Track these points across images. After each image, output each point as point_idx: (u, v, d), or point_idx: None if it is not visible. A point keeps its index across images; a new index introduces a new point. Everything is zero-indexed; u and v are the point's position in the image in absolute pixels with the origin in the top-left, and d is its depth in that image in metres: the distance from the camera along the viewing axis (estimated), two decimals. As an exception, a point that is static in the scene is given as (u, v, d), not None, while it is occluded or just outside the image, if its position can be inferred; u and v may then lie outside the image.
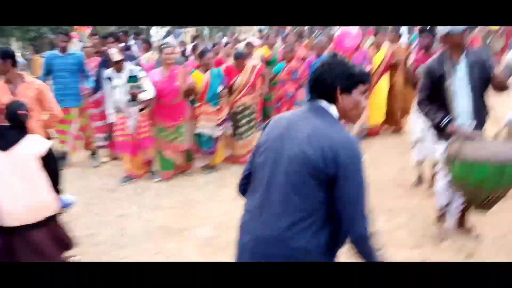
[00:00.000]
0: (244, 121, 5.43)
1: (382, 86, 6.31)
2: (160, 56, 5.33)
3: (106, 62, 5.49)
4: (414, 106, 4.32)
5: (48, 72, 5.49)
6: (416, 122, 4.36)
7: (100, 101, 5.91)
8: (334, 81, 1.59)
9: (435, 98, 3.17)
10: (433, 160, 3.37)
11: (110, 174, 5.42)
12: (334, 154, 1.49)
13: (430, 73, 3.17)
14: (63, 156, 5.47)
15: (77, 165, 5.76)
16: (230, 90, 5.41)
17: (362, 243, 1.55)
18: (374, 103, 6.18)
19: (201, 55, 5.28)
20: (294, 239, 1.53)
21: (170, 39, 12.42)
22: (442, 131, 3.12)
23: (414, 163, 4.51)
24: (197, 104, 5.21)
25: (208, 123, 5.16)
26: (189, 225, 3.87)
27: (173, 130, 5.03)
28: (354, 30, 5.88)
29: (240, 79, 5.35)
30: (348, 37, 5.79)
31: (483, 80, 3.06)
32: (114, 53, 4.88)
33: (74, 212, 3.63)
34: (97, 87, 5.64)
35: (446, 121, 3.05)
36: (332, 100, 1.60)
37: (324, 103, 1.61)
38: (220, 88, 5.17)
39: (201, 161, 5.45)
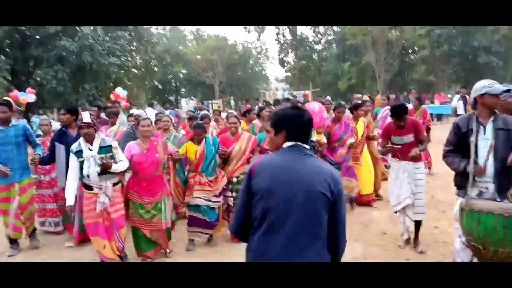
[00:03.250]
0: None
1: (366, 157, 6.78)
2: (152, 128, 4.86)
3: (60, 136, 5.22)
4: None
5: None
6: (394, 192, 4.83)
7: (53, 181, 5.77)
8: (308, 127, 2.03)
9: (458, 151, 3.41)
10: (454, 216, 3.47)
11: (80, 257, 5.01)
12: (334, 185, 1.90)
13: (457, 129, 3.41)
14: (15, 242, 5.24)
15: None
16: (226, 159, 5.32)
17: (343, 249, 2.02)
18: (364, 174, 6.62)
19: (195, 127, 5.08)
20: (319, 258, 1.89)
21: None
22: (463, 183, 3.31)
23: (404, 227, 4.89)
24: (191, 174, 5.08)
25: (203, 194, 4.97)
26: None
27: (151, 207, 4.65)
28: (316, 106, 5.97)
29: (237, 147, 5.28)
30: (313, 114, 5.82)
31: (507, 147, 3.20)
32: (85, 115, 4.37)
33: None
34: (50, 160, 5.30)
35: (471, 164, 3.21)
36: (307, 141, 2.03)
37: (305, 145, 2.01)
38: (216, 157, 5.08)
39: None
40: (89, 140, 4.36)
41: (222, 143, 5.28)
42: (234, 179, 5.32)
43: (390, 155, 5.03)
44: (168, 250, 4.95)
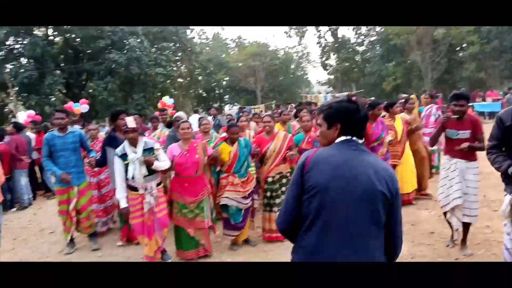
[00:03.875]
0: (283, 189, 5.25)
1: (407, 155, 6.58)
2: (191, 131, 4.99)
3: (110, 140, 5.42)
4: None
5: (50, 153, 5.41)
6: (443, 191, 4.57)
7: (100, 184, 6.17)
8: (364, 122, 1.96)
9: (503, 147, 3.23)
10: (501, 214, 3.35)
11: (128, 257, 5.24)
12: (392, 184, 1.83)
13: (501, 123, 3.22)
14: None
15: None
16: (262, 159, 5.33)
17: (400, 251, 1.95)
18: (406, 172, 6.44)
19: (230, 126, 5.22)
20: (375, 258, 1.81)
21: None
22: (509, 179, 3.15)
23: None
24: (223, 175, 5.13)
25: (234, 195, 4.99)
26: None
27: (194, 206, 4.77)
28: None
29: (272, 147, 5.28)
30: None
31: None
32: (130, 121, 4.55)
33: None
34: (103, 163, 5.51)
35: None
36: (362, 136, 1.95)
37: (359, 140, 1.93)
38: (250, 158, 5.13)
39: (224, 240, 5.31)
40: (134, 143, 4.53)
41: (258, 143, 5.33)
42: (270, 179, 5.29)
43: (442, 153, 4.83)
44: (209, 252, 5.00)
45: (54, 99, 20.65)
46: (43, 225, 7.17)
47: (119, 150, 4.56)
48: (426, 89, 24.48)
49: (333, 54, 36.92)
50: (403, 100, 7.44)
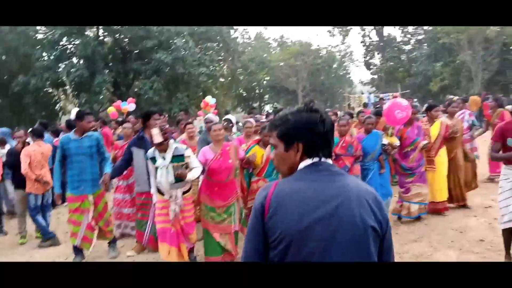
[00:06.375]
0: None
1: (442, 160, 6.19)
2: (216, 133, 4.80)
3: (138, 141, 5.20)
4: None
5: (64, 157, 5.07)
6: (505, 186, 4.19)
7: (131, 186, 5.87)
8: (331, 135, 1.51)
9: None
10: None
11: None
12: (381, 211, 1.41)
13: None
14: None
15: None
16: None
17: None
18: (437, 179, 6.12)
19: (261, 130, 5.13)
20: None
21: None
22: None
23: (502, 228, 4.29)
24: (254, 179, 5.05)
25: None
26: None
27: (222, 210, 4.65)
28: (404, 102, 5.73)
29: None
30: (398, 108, 5.55)
31: None
32: (156, 134, 4.38)
33: None
34: (123, 168, 5.31)
35: None
36: (331, 154, 1.51)
37: (329, 160, 1.49)
38: None
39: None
40: (163, 150, 4.49)
41: None
42: None
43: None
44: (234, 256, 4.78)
45: (102, 97, 21.54)
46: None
47: (150, 152, 4.57)
48: (476, 90, 23.48)
49: (378, 53, 36.16)
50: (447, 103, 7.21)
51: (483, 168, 7.74)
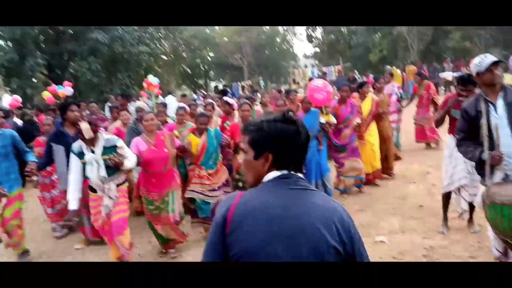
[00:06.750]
0: None
1: (373, 134, 6.57)
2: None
3: (56, 136, 4.76)
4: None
5: None
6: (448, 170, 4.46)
7: (54, 184, 5.51)
8: (305, 148, 1.46)
9: (473, 138, 3.17)
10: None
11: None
12: (345, 232, 1.33)
13: (466, 114, 3.20)
14: None
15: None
16: (237, 148, 5.03)
17: None
18: (368, 152, 6.45)
19: (199, 116, 4.95)
20: None
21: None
22: (483, 170, 3.08)
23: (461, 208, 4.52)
24: (190, 167, 4.92)
25: (199, 187, 4.74)
26: None
27: (160, 202, 4.51)
28: (319, 83, 5.79)
29: None
30: (316, 92, 5.58)
31: None
32: (85, 129, 3.92)
33: None
34: (46, 163, 4.86)
35: (486, 151, 3.01)
36: (301, 168, 1.43)
37: (298, 174, 1.42)
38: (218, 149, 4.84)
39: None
40: (92, 143, 4.07)
41: (232, 132, 5.12)
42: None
43: (445, 131, 4.77)
44: (172, 251, 4.77)
45: (36, 81, 20.18)
46: (35, 213, 7.12)
47: (75, 147, 4.10)
48: (412, 60, 24.55)
49: (319, 26, 36.55)
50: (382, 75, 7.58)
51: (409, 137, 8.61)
